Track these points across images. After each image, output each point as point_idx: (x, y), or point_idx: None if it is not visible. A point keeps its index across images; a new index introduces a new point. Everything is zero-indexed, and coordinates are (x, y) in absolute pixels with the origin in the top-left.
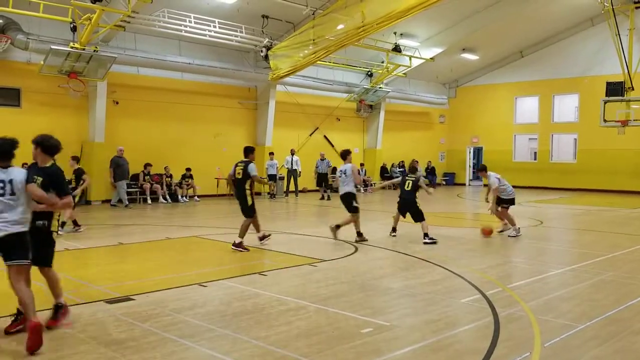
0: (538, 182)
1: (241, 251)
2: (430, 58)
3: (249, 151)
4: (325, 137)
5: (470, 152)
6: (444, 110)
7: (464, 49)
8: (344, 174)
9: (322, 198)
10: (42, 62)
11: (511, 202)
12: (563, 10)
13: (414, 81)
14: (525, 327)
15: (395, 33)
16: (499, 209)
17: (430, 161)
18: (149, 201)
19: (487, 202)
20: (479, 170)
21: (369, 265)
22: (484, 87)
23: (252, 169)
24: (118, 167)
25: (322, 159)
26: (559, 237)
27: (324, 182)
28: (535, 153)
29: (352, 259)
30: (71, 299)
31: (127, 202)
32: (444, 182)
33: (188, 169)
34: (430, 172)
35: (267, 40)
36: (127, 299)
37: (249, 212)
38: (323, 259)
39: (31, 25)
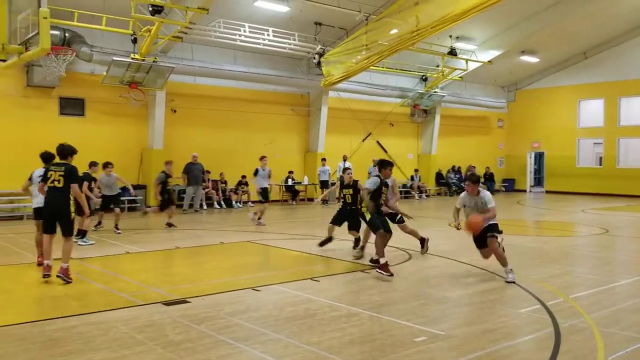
0: (603, 188)
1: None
2: (488, 61)
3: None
4: (378, 142)
5: (531, 158)
6: (502, 115)
7: (523, 51)
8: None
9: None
10: (104, 73)
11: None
12: (628, 11)
13: (470, 85)
14: (588, 340)
15: (450, 36)
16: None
17: (488, 167)
18: (205, 206)
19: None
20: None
21: (424, 273)
22: (545, 90)
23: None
24: (189, 172)
25: (375, 165)
26: (626, 246)
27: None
28: (600, 158)
29: (406, 266)
30: (131, 300)
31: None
32: (502, 189)
33: (243, 176)
34: (489, 178)
35: (319, 47)
36: (183, 301)
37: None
38: (376, 266)
39: (94, 38)
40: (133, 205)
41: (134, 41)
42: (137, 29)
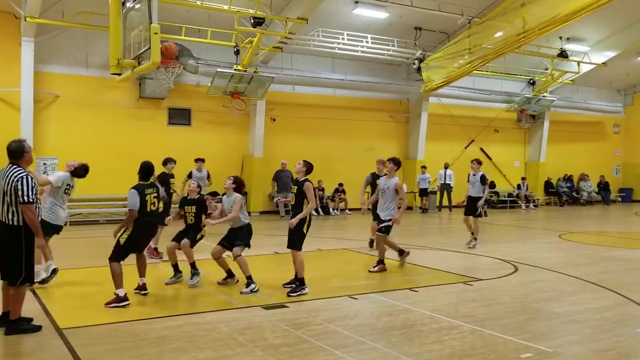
0: None
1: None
2: (602, 63)
3: None
4: (481, 149)
5: None
6: (619, 119)
7: None
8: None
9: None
10: (209, 84)
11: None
12: None
13: (583, 88)
14: None
15: (560, 37)
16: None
17: (603, 176)
18: None
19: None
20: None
21: (530, 286)
22: None
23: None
24: (279, 180)
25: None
26: None
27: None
28: None
29: (511, 279)
30: (232, 303)
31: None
32: (619, 199)
33: (340, 184)
34: (603, 187)
35: (419, 52)
36: (281, 305)
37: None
38: (479, 277)
39: (200, 50)
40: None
41: (237, 53)
42: (240, 41)
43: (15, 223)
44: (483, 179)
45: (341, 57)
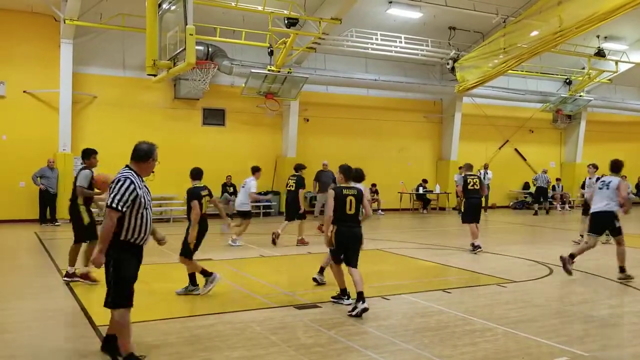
0: None
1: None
2: None
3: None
4: (516, 150)
5: None
6: None
7: None
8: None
9: (536, 214)
10: (243, 85)
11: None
12: None
13: (621, 87)
14: None
15: (598, 36)
16: None
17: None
18: None
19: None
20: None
21: (566, 289)
22: None
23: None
24: (320, 179)
25: (544, 172)
26: None
27: (543, 196)
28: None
29: (547, 282)
30: (265, 302)
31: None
32: None
33: (373, 185)
34: None
35: (453, 52)
36: (314, 305)
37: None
38: (513, 279)
39: (234, 51)
40: (268, 210)
41: (271, 53)
42: (274, 41)
43: None
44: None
45: (375, 57)
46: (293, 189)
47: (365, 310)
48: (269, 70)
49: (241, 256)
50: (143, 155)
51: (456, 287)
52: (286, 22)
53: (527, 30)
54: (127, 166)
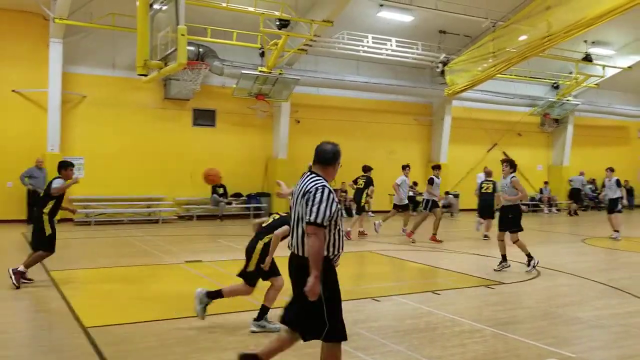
0: None
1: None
2: (628, 67)
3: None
4: (504, 153)
5: None
6: None
7: None
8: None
9: (571, 214)
10: (234, 86)
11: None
12: None
13: (608, 92)
14: None
15: (585, 41)
16: None
17: (627, 180)
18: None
19: None
20: None
21: (553, 291)
22: None
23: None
24: None
25: (580, 174)
26: None
27: (577, 196)
28: None
29: (534, 284)
30: (256, 304)
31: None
32: None
33: None
34: (628, 192)
35: (443, 55)
36: None
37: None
38: (502, 281)
39: (226, 52)
40: (258, 212)
41: (262, 55)
42: (265, 43)
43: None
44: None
45: (366, 59)
46: (362, 187)
47: None
48: (260, 71)
49: (232, 257)
50: (331, 158)
51: (445, 288)
52: (277, 23)
53: (515, 34)
54: (311, 172)
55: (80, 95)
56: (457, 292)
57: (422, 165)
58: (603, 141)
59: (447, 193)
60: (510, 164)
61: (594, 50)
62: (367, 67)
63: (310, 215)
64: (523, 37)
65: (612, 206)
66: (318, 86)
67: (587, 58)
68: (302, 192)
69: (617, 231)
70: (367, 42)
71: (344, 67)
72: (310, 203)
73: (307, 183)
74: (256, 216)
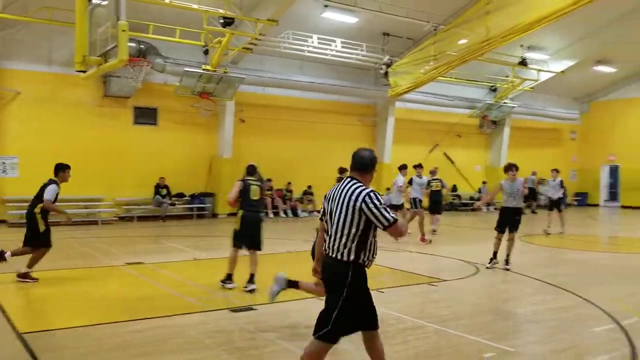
0: None
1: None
2: (561, 71)
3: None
4: (445, 154)
5: (605, 171)
6: (575, 126)
7: (598, 61)
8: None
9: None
10: (177, 84)
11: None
12: None
13: (542, 96)
14: None
15: (521, 46)
16: None
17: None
18: (271, 215)
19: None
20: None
21: (493, 288)
22: (622, 101)
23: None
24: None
25: (533, 174)
26: None
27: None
28: None
29: (474, 281)
30: (199, 305)
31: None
32: (575, 203)
33: (309, 186)
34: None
35: (387, 57)
36: (249, 308)
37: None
38: (443, 279)
39: (168, 49)
40: (202, 212)
41: (206, 52)
42: (209, 40)
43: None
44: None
45: (311, 59)
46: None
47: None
48: (203, 69)
49: (174, 259)
50: (368, 164)
51: (389, 286)
52: (222, 21)
53: (456, 38)
54: (351, 178)
55: (14, 91)
56: (401, 289)
57: None
58: (538, 142)
59: (388, 189)
60: (517, 168)
61: (529, 55)
62: (312, 67)
63: (381, 222)
64: (463, 41)
65: (554, 205)
66: (263, 85)
67: (523, 62)
68: (347, 198)
69: (558, 229)
70: (312, 42)
71: (289, 67)
72: (372, 212)
73: (352, 189)
74: (199, 217)
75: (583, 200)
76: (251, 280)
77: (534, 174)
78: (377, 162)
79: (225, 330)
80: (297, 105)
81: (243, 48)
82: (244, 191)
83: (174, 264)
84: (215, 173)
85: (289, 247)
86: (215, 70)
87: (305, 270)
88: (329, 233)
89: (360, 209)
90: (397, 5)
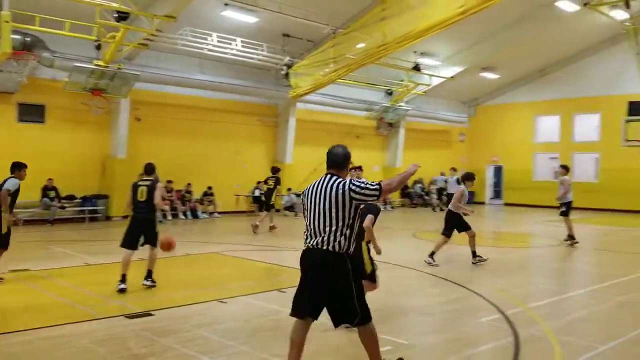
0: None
1: None
2: (451, 77)
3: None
4: None
5: (490, 171)
6: (464, 129)
7: (484, 68)
8: None
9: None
10: (66, 79)
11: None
12: (584, 30)
13: (434, 99)
14: (546, 348)
15: (415, 52)
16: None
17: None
18: (169, 217)
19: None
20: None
21: (388, 283)
22: (505, 105)
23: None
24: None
25: (441, 174)
26: (580, 258)
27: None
28: (556, 172)
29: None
30: (91, 313)
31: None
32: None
33: (209, 187)
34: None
35: (288, 58)
36: (146, 314)
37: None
38: None
39: (57, 43)
40: (94, 215)
41: (98, 47)
42: (102, 35)
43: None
44: None
45: (211, 58)
46: (272, 186)
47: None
48: (95, 65)
49: (64, 265)
50: (343, 161)
51: (291, 286)
52: (116, 15)
53: (354, 42)
54: (331, 174)
55: None
56: None
57: (267, 165)
58: (430, 144)
59: (289, 190)
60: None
61: (422, 61)
62: (212, 65)
63: (373, 195)
64: (361, 45)
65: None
66: (160, 83)
67: (416, 67)
68: (334, 191)
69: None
70: (212, 40)
71: (188, 65)
72: (362, 192)
73: (335, 183)
74: (92, 220)
75: (471, 198)
76: (149, 275)
77: (442, 174)
78: (351, 157)
79: (120, 338)
80: (197, 104)
81: (139, 44)
82: (132, 193)
83: (64, 270)
84: (108, 174)
85: (188, 250)
86: (108, 66)
87: (214, 272)
88: (312, 227)
89: (351, 196)
90: (296, 7)
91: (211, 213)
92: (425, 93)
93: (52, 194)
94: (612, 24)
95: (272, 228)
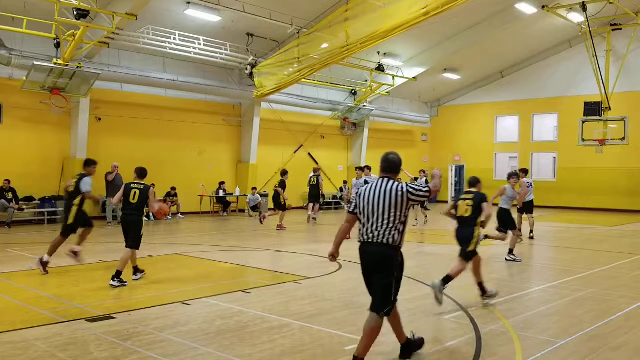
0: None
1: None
2: (413, 77)
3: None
4: (309, 155)
5: (452, 170)
6: (426, 129)
7: (445, 69)
8: None
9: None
10: (24, 78)
11: None
12: (542, 33)
13: (397, 100)
14: (507, 344)
15: (378, 53)
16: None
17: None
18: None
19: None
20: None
21: (353, 282)
22: (465, 106)
23: (86, 183)
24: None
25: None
26: (539, 254)
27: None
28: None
29: (337, 277)
30: (50, 317)
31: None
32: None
33: (173, 188)
34: None
35: (251, 58)
36: (108, 317)
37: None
38: (307, 276)
39: (14, 41)
40: (54, 217)
41: (57, 45)
42: (61, 33)
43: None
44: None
45: (173, 57)
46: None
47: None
48: (55, 63)
49: (21, 268)
50: (398, 166)
51: (255, 287)
52: (75, 13)
53: (318, 42)
54: (388, 178)
55: None
56: (267, 289)
57: (232, 165)
58: (393, 144)
59: (254, 189)
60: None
61: (385, 61)
62: (175, 64)
63: (425, 197)
64: (325, 45)
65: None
66: (122, 82)
67: (380, 68)
68: (392, 192)
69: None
70: (174, 39)
71: (150, 64)
72: (417, 194)
73: (394, 185)
74: (51, 222)
75: (433, 197)
76: (117, 276)
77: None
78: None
79: (81, 342)
80: (160, 103)
81: (99, 42)
82: (125, 194)
83: (22, 274)
84: (68, 175)
85: (151, 252)
86: (67, 65)
87: (177, 274)
88: (370, 223)
89: (408, 198)
90: (260, 6)
91: (174, 214)
92: (388, 93)
93: (9, 195)
94: (569, 26)
95: (280, 227)
